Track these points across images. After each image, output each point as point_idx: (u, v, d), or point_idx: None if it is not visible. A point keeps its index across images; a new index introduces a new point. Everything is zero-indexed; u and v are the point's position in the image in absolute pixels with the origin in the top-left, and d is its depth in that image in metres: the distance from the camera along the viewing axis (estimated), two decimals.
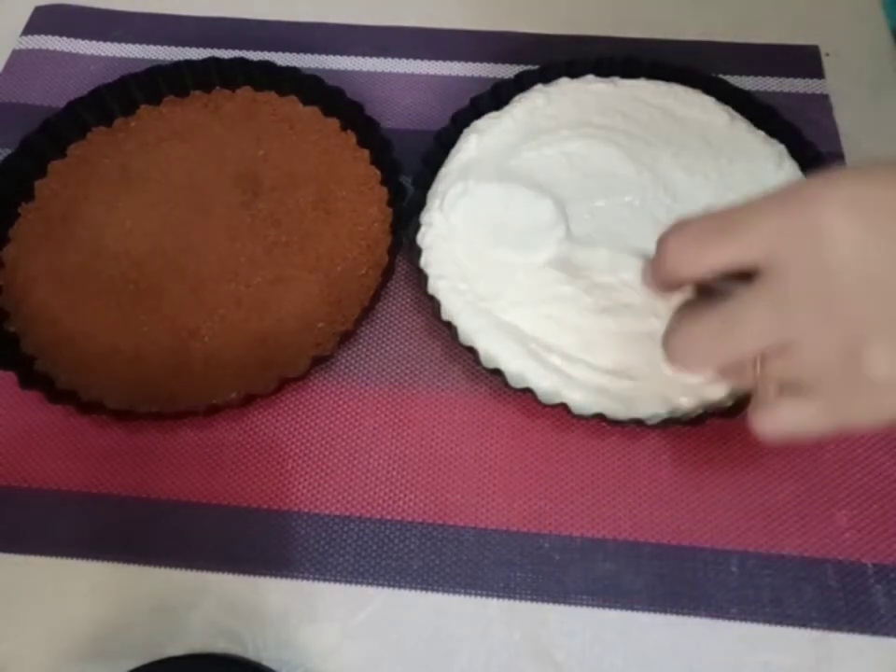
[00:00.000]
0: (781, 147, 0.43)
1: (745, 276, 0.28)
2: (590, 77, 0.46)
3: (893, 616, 0.33)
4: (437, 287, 0.39)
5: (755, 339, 0.29)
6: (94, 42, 0.53)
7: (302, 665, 0.33)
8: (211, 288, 0.41)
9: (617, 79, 0.46)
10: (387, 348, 0.41)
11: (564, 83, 0.45)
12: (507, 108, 0.45)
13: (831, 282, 0.27)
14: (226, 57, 0.48)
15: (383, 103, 0.48)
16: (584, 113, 0.44)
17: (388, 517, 0.36)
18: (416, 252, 0.41)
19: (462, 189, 0.40)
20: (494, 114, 0.45)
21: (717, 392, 0.36)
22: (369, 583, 0.35)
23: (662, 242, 0.30)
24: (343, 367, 0.40)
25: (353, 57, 0.51)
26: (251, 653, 0.33)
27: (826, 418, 0.29)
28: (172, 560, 0.35)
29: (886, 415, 0.28)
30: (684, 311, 0.32)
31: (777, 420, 0.30)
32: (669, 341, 0.31)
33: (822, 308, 0.27)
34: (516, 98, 0.45)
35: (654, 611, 0.34)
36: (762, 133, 0.43)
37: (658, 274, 0.31)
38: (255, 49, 0.51)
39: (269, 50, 0.51)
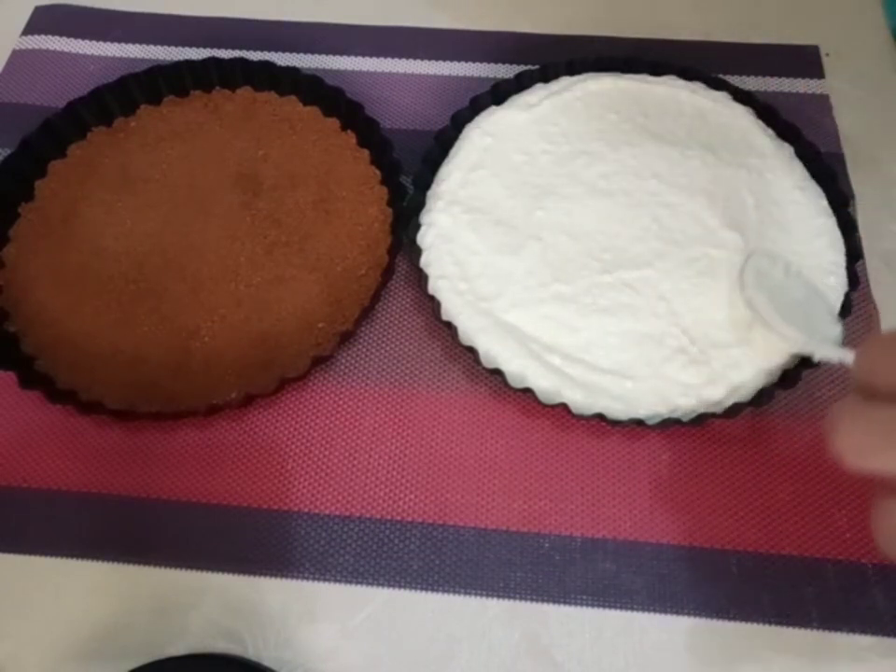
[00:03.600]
0: (790, 148, 0.43)
1: None
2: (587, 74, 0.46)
3: (893, 616, 0.33)
4: (437, 286, 0.39)
5: None
6: (94, 42, 0.53)
7: (302, 665, 0.33)
8: (211, 288, 0.41)
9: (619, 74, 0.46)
10: (387, 348, 0.41)
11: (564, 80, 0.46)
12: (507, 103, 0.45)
13: None
14: (226, 57, 0.48)
15: (383, 103, 0.48)
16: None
17: (388, 517, 0.36)
18: (416, 252, 0.41)
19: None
20: (493, 108, 0.45)
21: (717, 392, 0.36)
22: (369, 583, 0.35)
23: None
24: (343, 367, 0.40)
25: (353, 57, 0.51)
26: (251, 653, 0.33)
27: None
28: (172, 560, 0.35)
29: None
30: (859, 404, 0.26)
31: None
32: (836, 413, 0.26)
33: None
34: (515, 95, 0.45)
35: (654, 611, 0.34)
36: (771, 132, 0.43)
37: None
38: (255, 49, 0.51)
39: (269, 50, 0.51)
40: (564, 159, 0.42)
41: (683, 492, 0.36)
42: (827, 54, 0.51)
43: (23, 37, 0.53)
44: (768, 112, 0.44)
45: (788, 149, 0.43)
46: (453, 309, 0.38)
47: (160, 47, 0.52)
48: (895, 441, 0.25)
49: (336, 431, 0.38)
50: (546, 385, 0.36)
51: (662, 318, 0.38)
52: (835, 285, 0.38)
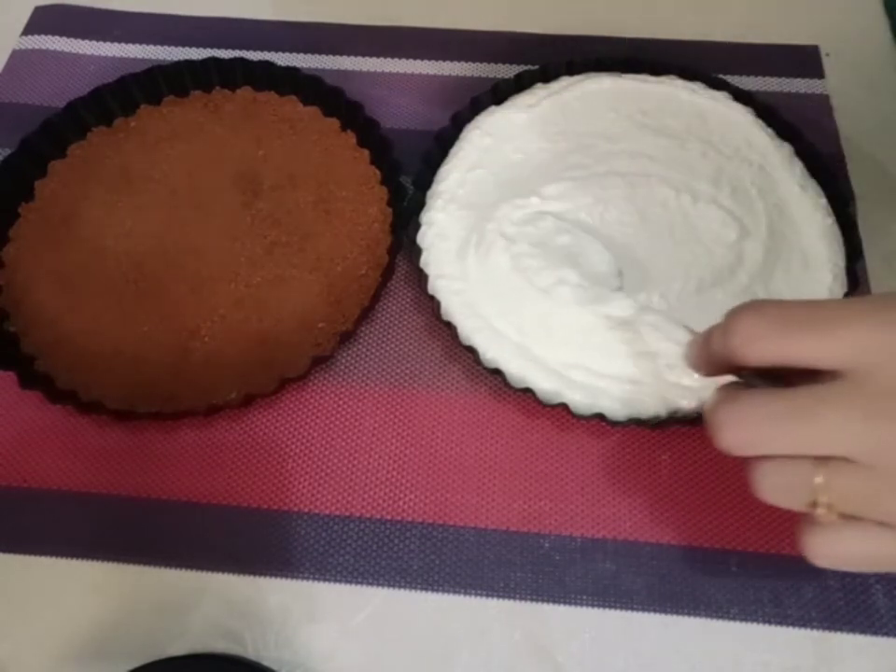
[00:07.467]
0: (790, 147, 0.43)
1: (779, 378, 0.27)
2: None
3: (893, 616, 0.33)
4: (437, 286, 0.39)
5: (830, 437, 0.25)
6: (94, 42, 0.53)
7: (302, 665, 0.33)
8: (211, 288, 0.41)
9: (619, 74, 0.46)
10: (387, 348, 0.41)
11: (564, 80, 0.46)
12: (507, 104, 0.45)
13: None
14: (226, 57, 0.48)
15: (383, 103, 0.48)
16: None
17: (388, 517, 0.36)
18: (416, 252, 0.41)
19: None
20: (493, 108, 0.45)
21: None
22: (369, 583, 0.35)
23: (734, 319, 0.27)
24: (343, 367, 0.40)
25: (353, 57, 0.51)
26: (251, 653, 0.33)
27: None
28: (172, 560, 0.35)
29: None
30: (733, 388, 0.28)
31: (842, 549, 0.26)
32: (719, 412, 0.27)
33: None
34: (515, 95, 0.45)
35: (654, 611, 0.34)
36: (771, 132, 0.43)
37: (714, 351, 0.28)
38: (255, 49, 0.51)
39: (269, 50, 0.51)
40: (561, 156, 0.42)
41: (683, 492, 0.36)
42: (827, 54, 0.51)
43: (23, 37, 0.53)
44: (768, 112, 0.44)
45: (787, 149, 0.43)
46: (452, 309, 0.38)
47: (160, 47, 0.52)
48: (783, 428, 0.25)
49: (336, 431, 0.38)
50: (546, 385, 0.36)
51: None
52: (835, 285, 0.38)
